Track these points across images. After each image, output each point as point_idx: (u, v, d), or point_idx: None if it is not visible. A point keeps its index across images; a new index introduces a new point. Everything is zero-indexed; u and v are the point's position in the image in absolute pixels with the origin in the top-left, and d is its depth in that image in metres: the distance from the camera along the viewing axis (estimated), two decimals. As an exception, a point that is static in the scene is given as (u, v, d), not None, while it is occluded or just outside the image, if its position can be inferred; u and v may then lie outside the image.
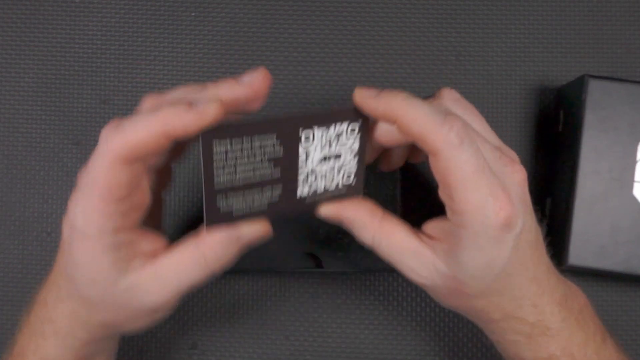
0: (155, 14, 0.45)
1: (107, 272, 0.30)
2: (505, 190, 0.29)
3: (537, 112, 0.44)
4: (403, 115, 0.28)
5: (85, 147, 0.44)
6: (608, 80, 0.39)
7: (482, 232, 0.29)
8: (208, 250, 0.31)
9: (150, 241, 0.31)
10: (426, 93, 0.44)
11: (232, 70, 0.45)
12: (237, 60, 0.45)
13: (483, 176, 0.28)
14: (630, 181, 0.39)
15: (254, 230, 0.31)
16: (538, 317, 0.32)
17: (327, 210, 0.33)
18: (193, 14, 0.45)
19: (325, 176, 0.32)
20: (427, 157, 0.30)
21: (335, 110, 0.30)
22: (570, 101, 0.41)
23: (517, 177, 0.30)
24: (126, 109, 0.44)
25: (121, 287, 0.31)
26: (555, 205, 0.41)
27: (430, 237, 0.32)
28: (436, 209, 0.31)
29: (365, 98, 0.30)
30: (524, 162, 0.44)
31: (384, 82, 0.44)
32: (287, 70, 0.45)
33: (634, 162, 0.39)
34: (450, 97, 0.32)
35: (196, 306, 0.43)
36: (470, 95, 0.44)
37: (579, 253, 0.38)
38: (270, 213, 0.32)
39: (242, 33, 0.45)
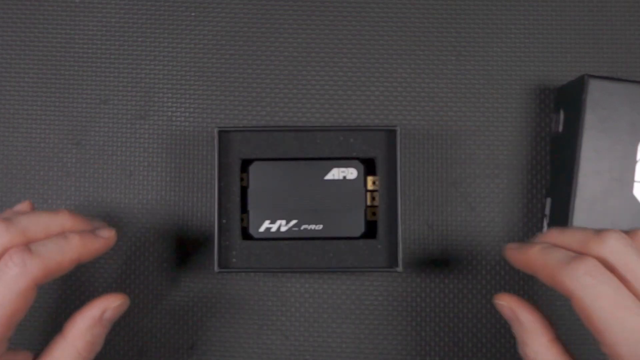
0: (155, 14, 0.45)
1: None
2: None
3: (537, 112, 0.44)
4: (537, 266, 0.31)
5: (85, 147, 0.44)
6: (608, 80, 0.39)
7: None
8: (78, 342, 0.32)
9: (17, 356, 0.31)
10: (425, 93, 0.44)
11: (232, 70, 0.45)
12: (237, 60, 0.45)
13: (624, 310, 0.27)
14: (630, 181, 0.39)
15: (114, 305, 0.33)
16: None
17: (503, 300, 0.33)
18: (193, 14, 0.45)
19: None
20: None
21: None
22: (570, 101, 0.41)
23: None
24: (126, 109, 0.45)
25: None
26: (555, 205, 0.41)
27: None
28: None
29: (510, 251, 0.33)
30: (524, 163, 0.44)
31: (383, 82, 0.44)
32: (287, 70, 0.45)
33: (634, 162, 0.39)
34: (610, 250, 0.29)
35: (196, 306, 0.43)
36: (470, 95, 0.44)
37: (579, 253, 0.38)
38: None
39: (242, 33, 0.45)
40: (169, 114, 0.44)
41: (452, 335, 0.43)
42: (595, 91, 0.39)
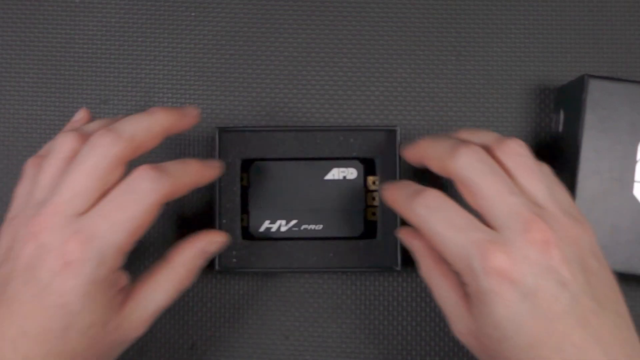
0: (155, 14, 0.45)
1: (102, 314, 0.30)
2: (495, 242, 0.29)
3: (537, 112, 0.44)
4: (393, 203, 0.34)
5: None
6: (608, 80, 0.39)
7: (476, 285, 0.29)
8: (182, 269, 0.34)
9: (122, 276, 0.32)
10: (425, 93, 0.44)
11: (232, 70, 0.45)
12: (237, 60, 0.45)
13: (456, 230, 0.30)
14: (630, 181, 0.39)
15: (218, 240, 0.36)
16: None
17: (401, 234, 0.36)
18: (193, 14, 0.45)
19: None
20: None
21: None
22: (570, 101, 0.41)
23: (530, 236, 0.29)
24: (126, 109, 0.45)
25: (110, 329, 0.31)
26: (555, 205, 0.41)
27: None
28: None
29: (382, 190, 0.35)
30: (524, 162, 0.44)
31: (384, 82, 0.44)
32: (287, 70, 0.45)
33: (634, 162, 0.39)
34: (460, 166, 0.31)
35: (196, 306, 0.43)
36: (470, 95, 0.44)
37: (579, 253, 0.38)
38: None
39: (242, 33, 0.45)
40: (169, 114, 0.44)
41: (452, 335, 0.43)
42: (595, 91, 0.39)
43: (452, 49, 0.45)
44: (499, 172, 0.30)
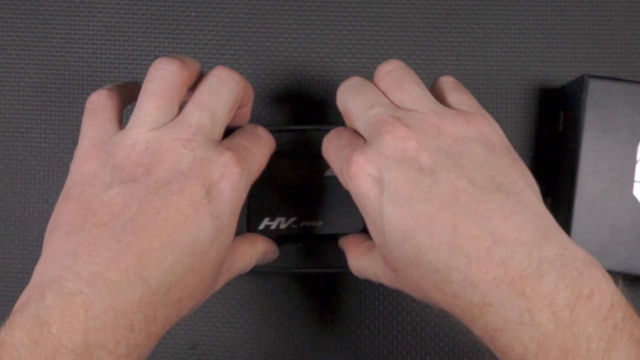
0: (155, 14, 0.45)
1: (231, 240, 0.31)
2: (356, 148, 0.30)
3: (537, 112, 0.44)
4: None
5: (85, 147, 0.44)
6: (608, 80, 0.39)
7: (353, 196, 0.31)
8: (255, 254, 0.35)
9: None
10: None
11: (232, 70, 0.45)
12: (237, 60, 0.45)
13: (336, 152, 0.33)
14: (630, 181, 0.39)
15: (277, 253, 0.38)
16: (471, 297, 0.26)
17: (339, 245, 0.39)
18: (193, 14, 0.45)
19: None
20: None
21: None
22: (570, 101, 0.41)
23: (384, 135, 0.30)
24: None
25: (223, 263, 0.31)
26: (555, 205, 0.41)
27: None
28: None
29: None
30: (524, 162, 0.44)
31: (384, 82, 0.44)
32: (287, 70, 0.45)
33: (634, 162, 0.39)
34: (379, 74, 0.33)
35: (196, 306, 0.43)
36: (470, 95, 0.44)
37: (579, 253, 0.38)
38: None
39: (242, 33, 0.45)
40: (169, 114, 0.44)
41: (452, 335, 0.43)
42: (595, 91, 0.39)
43: (452, 49, 0.45)
44: (367, 92, 0.32)
